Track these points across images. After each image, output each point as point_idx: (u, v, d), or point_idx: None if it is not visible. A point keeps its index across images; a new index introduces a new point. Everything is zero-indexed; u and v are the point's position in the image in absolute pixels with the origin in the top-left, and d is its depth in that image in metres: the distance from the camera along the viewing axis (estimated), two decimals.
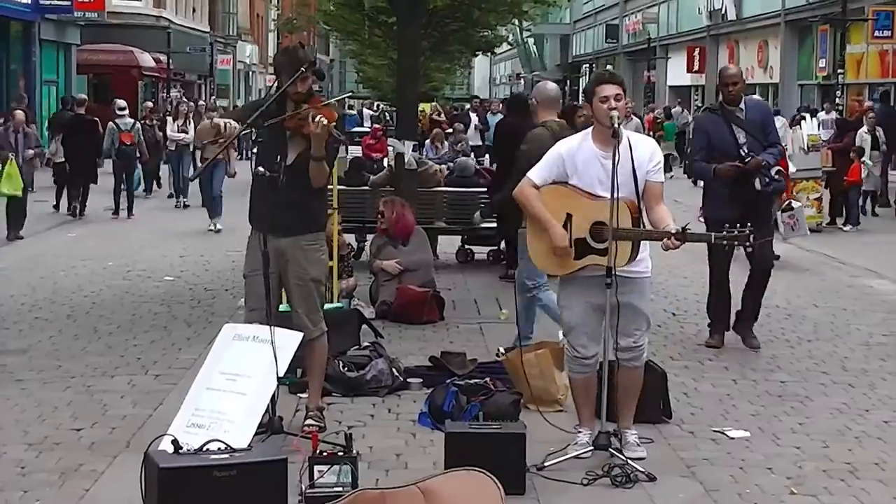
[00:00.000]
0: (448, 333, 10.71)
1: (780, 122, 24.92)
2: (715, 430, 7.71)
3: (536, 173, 6.95)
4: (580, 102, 20.17)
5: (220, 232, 18.35)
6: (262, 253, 7.10)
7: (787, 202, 16.49)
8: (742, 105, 10.00)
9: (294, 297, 7.41)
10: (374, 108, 54.33)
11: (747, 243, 6.70)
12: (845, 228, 20.20)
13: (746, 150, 9.82)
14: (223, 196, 19.25)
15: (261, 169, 7.12)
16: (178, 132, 23.95)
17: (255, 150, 7.54)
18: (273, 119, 7.15)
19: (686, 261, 15.27)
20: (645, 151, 6.85)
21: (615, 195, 6.53)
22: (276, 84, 7.47)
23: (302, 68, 7.16)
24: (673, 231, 6.63)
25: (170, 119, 24.84)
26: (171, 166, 24.67)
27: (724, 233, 6.75)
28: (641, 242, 6.79)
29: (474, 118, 31.61)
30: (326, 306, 9.51)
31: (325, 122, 6.95)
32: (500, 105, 31.56)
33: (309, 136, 7.06)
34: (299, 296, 7.38)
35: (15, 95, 31.65)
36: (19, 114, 20.03)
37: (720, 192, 9.95)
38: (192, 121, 23.90)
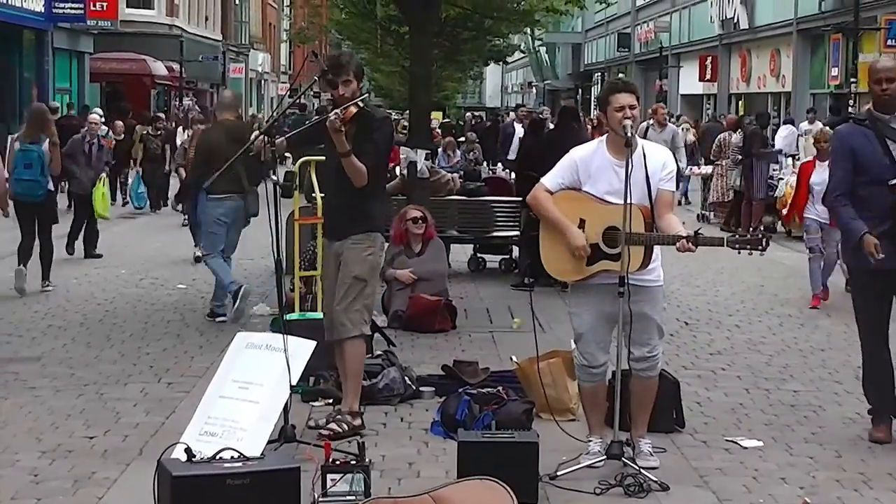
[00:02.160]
0: (460, 342, 10.71)
1: (788, 130, 24.87)
2: (728, 440, 7.69)
3: (550, 179, 6.96)
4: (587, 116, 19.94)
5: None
6: (276, 261, 7.14)
7: None
8: None
9: (339, 294, 7.47)
10: None
11: (760, 247, 6.67)
12: None
13: None
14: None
15: (273, 177, 7.15)
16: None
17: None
18: (302, 127, 7.26)
19: (698, 270, 15.28)
20: (658, 160, 6.85)
21: (628, 201, 6.53)
22: (294, 91, 7.57)
23: (315, 76, 7.23)
24: (685, 235, 6.63)
25: (179, 129, 23.49)
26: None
27: (737, 236, 6.75)
28: (654, 250, 6.79)
29: (519, 129, 26.91)
30: None
31: (332, 117, 7.02)
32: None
33: (351, 137, 7.18)
34: (341, 293, 7.45)
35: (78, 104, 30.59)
36: (94, 118, 17.28)
37: (870, 226, 7.38)
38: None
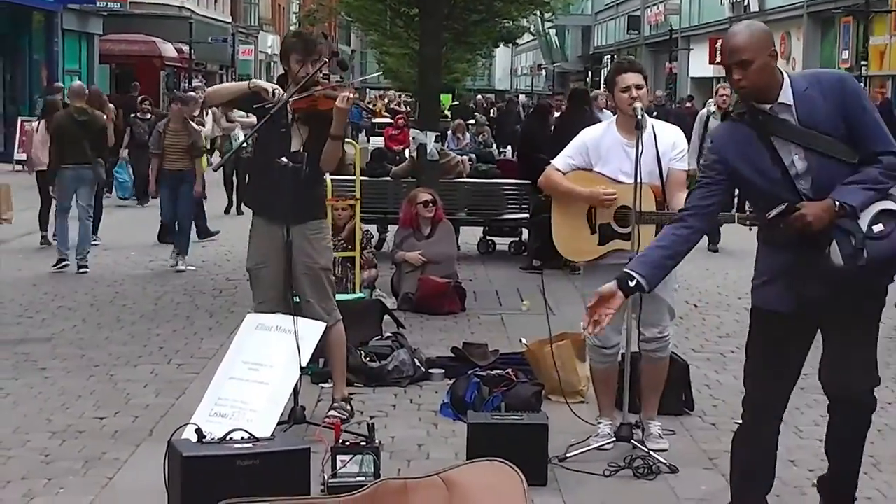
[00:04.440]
0: (469, 324, 10.72)
1: None
2: (737, 422, 7.64)
3: (561, 161, 6.96)
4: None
5: (184, 271, 14.01)
6: (286, 242, 7.10)
7: None
8: (787, 95, 4.97)
9: (304, 287, 7.34)
10: (396, 98, 54.41)
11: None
12: None
13: (809, 185, 4.96)
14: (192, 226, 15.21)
15: (284, 159, 7.07)
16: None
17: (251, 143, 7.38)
18: (282, 100, 7.08)
19: (707, 252, 15.26)
20: (668, 139, 6.86)
21: (639, 180, 6.52)
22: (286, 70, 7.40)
23: (325, 58, 7.17)
24: None
25: None
26: None
27: (748, 213, 6.73)
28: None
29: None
30: (349, 297, 9.57)
31: (350, 95, 6.97)
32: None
33: (317, 120, 7.06)
34: (310, 286, 7.34)
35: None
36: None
37: (772, 258, 5.34)
38: (209, 111, 20.04)
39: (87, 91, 15.60)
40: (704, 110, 16.38)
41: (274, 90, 7.08)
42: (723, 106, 15.86)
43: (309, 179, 7.17)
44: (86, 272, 13.57)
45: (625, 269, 5.19)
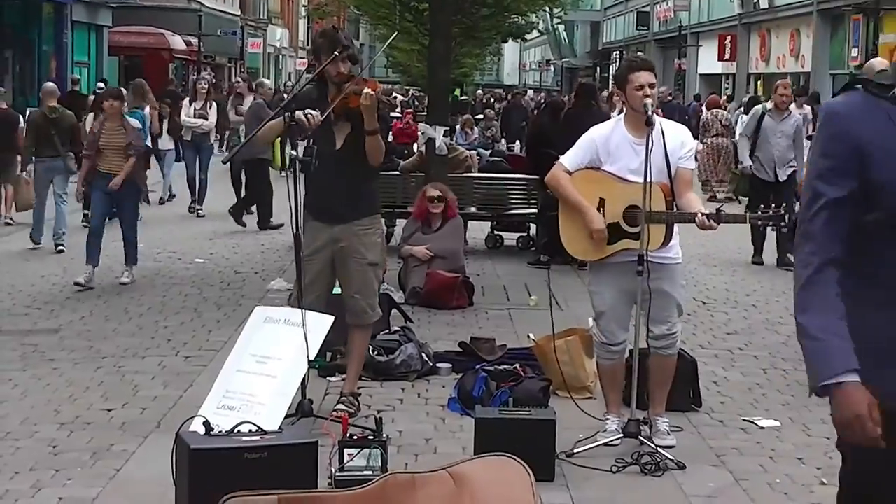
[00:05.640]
0: (477, 319, 10.71)
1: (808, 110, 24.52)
2: (745, 420, 7.69)
3: (569, 159, 6.95)
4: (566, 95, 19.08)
5: (128, 283, 12.41)
6: (295, 236, 7.11)
7: None
8: None
9: (352, 282, 7.42)
10: (405, 93, 54.35)
11: (783, 223, 6.65)
12: None
13: None
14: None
15: (293, 153, 7.11)
16: (196, 117, 19.18)
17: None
18: (326, 109, 7.15)
19: (716, 249, 15.25)
20: (677, 138, 6.85)
21: (648, 179, 6.51)
22: (313, 67, 7.53)
23: (336, 51, 7.18)
24: (706, 212, 6.61)
25: (185, 101, 20.06)
26: (185, 161, 19.79)
27: (759, 213, 6.73)
28: (674, 227, 6.78)
29: None
30: None
31: (372, 92, 7.00)
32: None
33: (355, 117, 7.10)
34: (358, 281, 7.41)
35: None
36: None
37: (867, 319, 3.30)
38: (213, 103, 19.54)
39: (58, 90, 16.81)
40: (759, 107, 15.14)
41: (307, 114, 7.08)
42: (781, 106, 14.01)
43: (356, 177, 7.28)
44: (62, 251, 14.47)
45: (843, 382, 3.22)
